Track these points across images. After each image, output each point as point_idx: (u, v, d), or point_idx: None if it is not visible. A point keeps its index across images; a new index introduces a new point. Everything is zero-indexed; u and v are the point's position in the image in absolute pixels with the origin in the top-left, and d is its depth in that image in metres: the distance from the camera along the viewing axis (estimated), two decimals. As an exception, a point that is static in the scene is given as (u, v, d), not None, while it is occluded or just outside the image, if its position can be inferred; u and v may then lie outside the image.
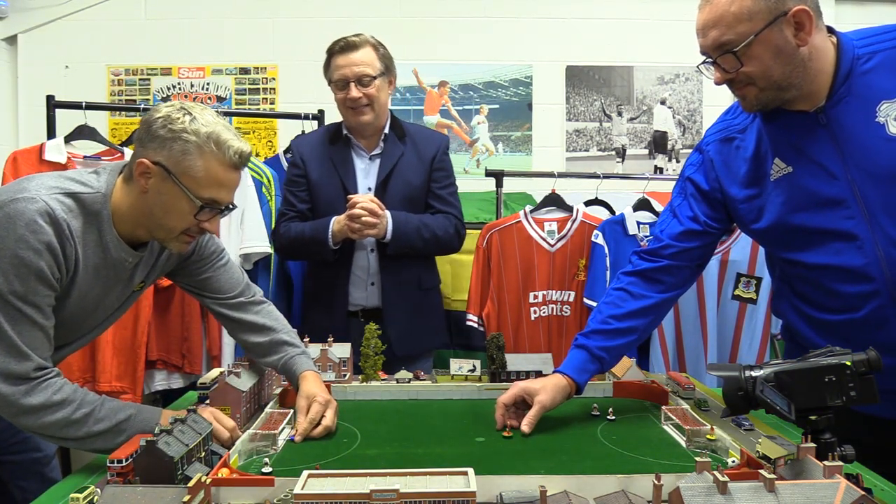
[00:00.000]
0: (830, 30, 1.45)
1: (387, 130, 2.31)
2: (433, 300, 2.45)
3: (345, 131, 2.31)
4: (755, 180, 1.52)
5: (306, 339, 1.86)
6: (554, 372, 1.62)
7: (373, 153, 2.31)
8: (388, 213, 2.17)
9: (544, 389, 1.53)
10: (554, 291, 2.72)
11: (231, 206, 1.50)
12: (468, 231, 2.49)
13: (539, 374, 1.81)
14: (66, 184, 1.39)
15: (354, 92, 2.18)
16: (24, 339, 1.30)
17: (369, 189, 2.28)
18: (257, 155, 3.11)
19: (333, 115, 3.11)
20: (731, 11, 1.35)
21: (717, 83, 1.45)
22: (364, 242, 2.24)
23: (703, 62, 1.45)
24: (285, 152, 2.89)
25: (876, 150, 1.36)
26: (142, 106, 3.12)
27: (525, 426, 1.48)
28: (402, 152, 2.29)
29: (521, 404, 1.54)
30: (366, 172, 2.30)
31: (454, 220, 2.33)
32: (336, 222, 2.17)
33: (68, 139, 2.64)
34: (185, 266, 1.65)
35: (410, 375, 1.85)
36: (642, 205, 2.73)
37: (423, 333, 2.36)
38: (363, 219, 2.10)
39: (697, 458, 1.00)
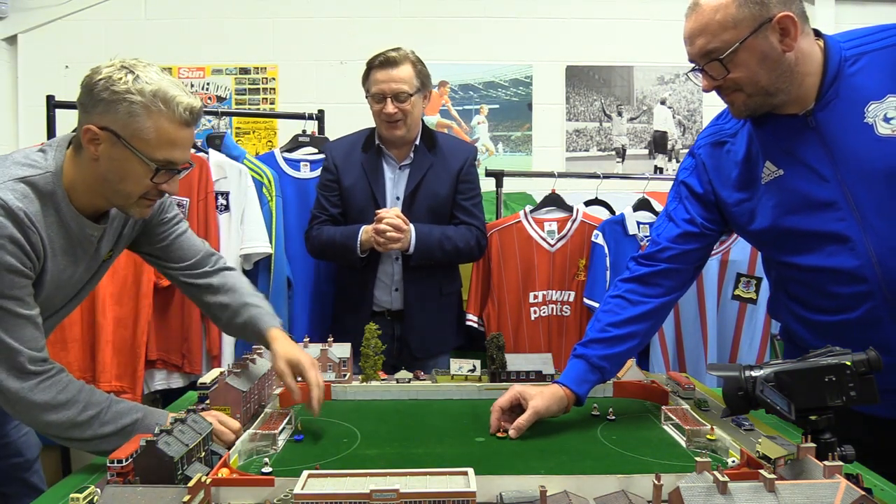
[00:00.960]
0: (817, 32, 1.44)
1: (418, 142, 2.38)
2: (452, 303, 2.54)
3: (377, 141, 2.39)
4: (747, 184, 1.53)
5: (306, 339, 1.86)
6: (553, 382, 1.61)
7: (402, 163, 2.39)
8: (412, 226, 2.26)
9: (540, 395, 1.52)
10: (554, 291, 2.72)
11: (190, 165, 1.44)
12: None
13: (539, 374, 1.81)
14: (14, 170, 1.32)
15: (390, 107, 2.26)
16: (13, 334, 1.28)
17: (398, 198, 2.37)
18: (257, 154, 3.10)
19: (333, 115, 3.13)
20: (716, 20, 1.36)
21: (706, 90, 1.46)
22: (390, 251, 2.32)
23: (692, 70, 1.46)
24: (282, 150, 2.89)
25: (865, 152, 1.37)
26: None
27: (512, 430, 1.47)
28: (430, 164, 2.37)
29: (517, 408, 1.54)
30: (395, 182, 2.39)
31: (476, 232, 2.41)
32: (364, 232, 2.27)
33: (68, 139, 2.64)
34: (148, 232, 1.62)
35: (410, 375, 1.85)
36: (642, 205, 2.73)
37: (441, 335, 2.45)
38: (387, 234, 2.20)
39: (697, 458, 1.00)
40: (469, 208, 2.41)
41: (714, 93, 1.47)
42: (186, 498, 0.95)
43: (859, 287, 1.40)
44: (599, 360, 1.59)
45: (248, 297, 1.69)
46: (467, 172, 2.42)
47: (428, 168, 2.36)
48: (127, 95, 1.31)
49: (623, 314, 1.62)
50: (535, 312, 2.71)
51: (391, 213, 2.22)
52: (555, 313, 2.72)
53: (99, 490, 1.03)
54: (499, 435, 1.49)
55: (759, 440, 1.26)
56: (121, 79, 1.32)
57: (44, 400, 1.29)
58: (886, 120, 1.35)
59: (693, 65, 1.45)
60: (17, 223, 1.28)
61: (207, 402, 1.47)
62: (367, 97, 2.35)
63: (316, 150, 2.86)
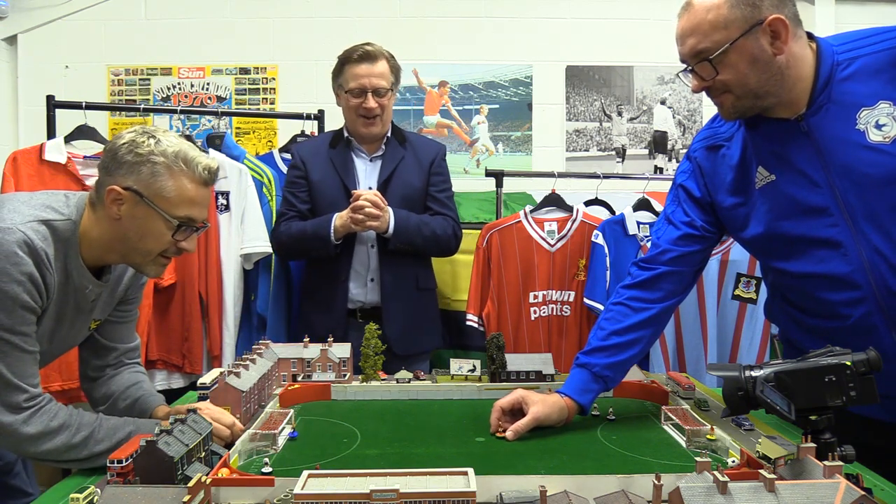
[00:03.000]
0: (811, 35, 1.44)
1: (389, 135, 2.37)
2: (430, 302, 2.51)
3: (346, 134, 2.36)
4: (741, 188, 1.53)
5: (306, 339, 1.86)
6: (555, 392, 1.59)
7: (374, 155, 2.37)
8: (390, 209, 2.23)
9: (542, 402, 1.52)
10: (554, 291, 2.72)
11: (205, 224, 1.52)
12: (468, 231, 2.55)
13: (539, 374, 1.81)
14: (39, 211, 1.39)
15: (371, 102, 2.25)
16: (14, 369, 1.31)
17: (370, 188, 2.33)
18: (257, 154, 3.11)
19: (333, 115, 3.12)
20: (708, 20, 1.36)
21: (695, 91, 1.46)
22: (365, 237, 2.29)
23: (683, 70, 1.45)
24: (280, 151, 2.89)
25: (857, 158, 1.36)
26: (142, 106, 3.12)
27: (510, 432, 1.47)
28: (402, 156, 2.36)
29: (518, 412, 1.53)
30: (367, 173, 2.36)
31: (452, 223, 2.40)
32: (338, 217, 2.22)
33: (68, 139, 2.64)
34: (118, 305, 1.65)
35: (410, 375, 1.85)
36: (642, 205, 2.73)
37: (420, 334, 2.42)
38: (366, 210, 2.15)
39: (697, 458, 1.00)
40: (443, 200, 2.41)
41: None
42: (186, 498, 0.95)
43: (852, 293, 1.40)
44: (603, 368, 1.58)
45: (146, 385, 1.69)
46: (439, 165, 2.42)
47: (400, 159, 2.35)
48: (150, 157, 1.40)
49: (626, 321, 1.61)
50: (535, 312, 2.71)
51: (369, 192, 2.20)
52: (555, 313, 2.72)
53: (99, 490, 1.03)
54: (498, 435, 1.49)
55: (759, 440, 1.26)
56: (144, 142, 1.41)
57: (37, 430, 1.31)
58: (878, 127, 1.35)
59: (684, 65, 1.44)
60: (38, 262, 1.34)
61: (207, 402, 1.47)
62: (341, 93, 2.31)
63: (316, 151, 2.85)
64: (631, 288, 1.65)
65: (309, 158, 2.37)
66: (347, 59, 2.28)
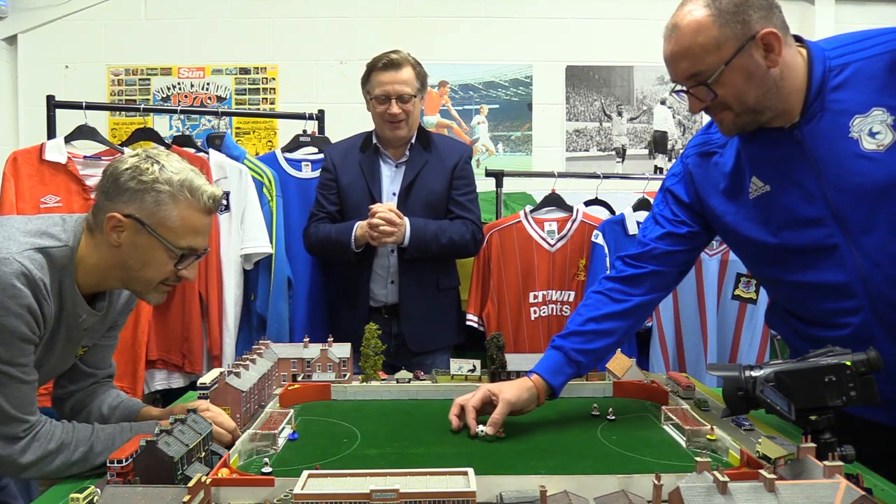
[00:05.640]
0: (799, 39, 1.41)
1: (413, 141, 2.42)
2: (450, 300, 2.55)
3: (374, 140, 2.43)
4: (734, 196, 1.51)
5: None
6: (526, 374, 1.59)
7: (399, 161, 2.43)
8: (406, 220, 2.28)
9: (510, 387, 1.52)
10: (554, 291, 2.72)
11: (206, 251, 1.49)
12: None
13: (539, 374, 1.81)
14: (36, 239, 1.35)
15: (395, 108, 2.31)
16: (13, 401, 1.29)
17: (394, 194, 2.39)
18: (257, 154, 3.11)
19: (333, 115, 3.13)
20: (699, 42, 1.32)
21: (693, 112, 1.44)
22: (385, 245, 2.34)
23: (677, 91, 1.43)
24: (283, 150, 2.89)
25: (850, 167, 1.33)
26: (142, 106, 3.12)
27: (489, 427, 1.46)
28: (426, 161, 2.41)
29: (489, 406, 1.52)
30: (391, 179, 2.43)
31: (471, 226, 2.43)
32: (359, 227, 2.30)
33: (68, 139, 2.64)
34: (106, 331, 1.61)
35: (410, 375, 1.85)
36: (642, 205, 2.73)
37: (437, 331, 2.46)
38: (380, 228, 2.23)
39: (697, 458, 1.00)
40: (464, 203, 2.44)
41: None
42: (186, 498, 0.95)
43: (849, 302, 1.39)
44: (577, 353, 1.58)
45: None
46: (462, 169, 2.45)
47: (423, 165, 2.40)
48: (155, 185, 1.36)
49: (604, 309, 1.61)
50: (535, 312, 2.71)
51: (384, 208, 2.25)
52: (555, 313, 2.72)
53: (99, 490, 1.03)
54: (489, 432, 1.47)
55: (759, 440, 1.26)
56: (148, 168, 1.37)
57: (36, 457, 1.30)
58: (871, 135, 1.32)
59: (675, 85, 1.42)
60: (35, 293, 1.30)
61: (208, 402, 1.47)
62: (368, 99, 2.39)
63: (317, 150, 2.86)
64: (613, 280, 1.65)
65: (339, 162, 2.45)
66: (373, 67, 2.35)
